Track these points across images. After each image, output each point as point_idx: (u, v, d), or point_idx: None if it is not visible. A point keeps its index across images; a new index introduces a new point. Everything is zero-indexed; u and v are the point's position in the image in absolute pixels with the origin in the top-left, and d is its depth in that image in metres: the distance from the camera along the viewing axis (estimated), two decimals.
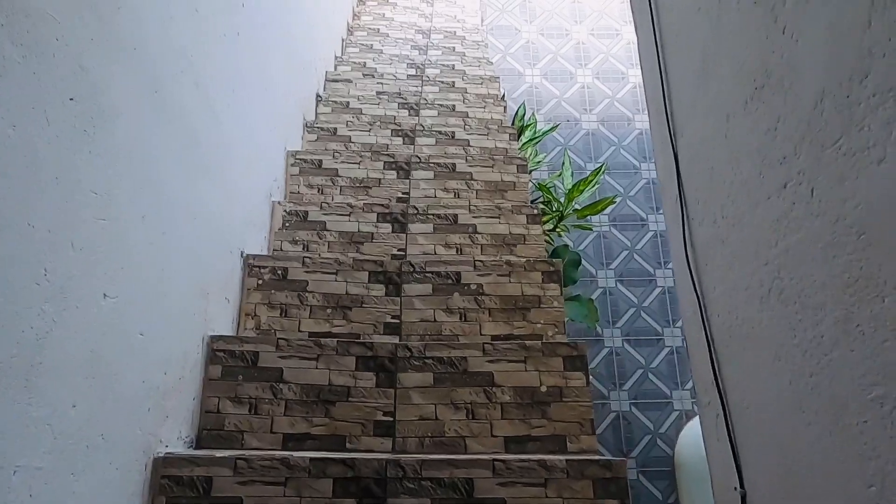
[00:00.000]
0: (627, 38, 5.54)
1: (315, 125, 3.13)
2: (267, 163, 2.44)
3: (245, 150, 2.19)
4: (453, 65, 4.14)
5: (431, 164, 2.77)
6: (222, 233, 1.95)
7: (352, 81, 3.77)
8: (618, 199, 4.91)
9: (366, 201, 2.65)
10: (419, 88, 3.74)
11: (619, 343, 4.62)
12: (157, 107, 1.51)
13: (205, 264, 1.81)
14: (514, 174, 2.76)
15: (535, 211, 2.59)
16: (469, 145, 3.09)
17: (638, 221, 4.86)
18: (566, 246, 4.04)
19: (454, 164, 2.77)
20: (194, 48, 1.75)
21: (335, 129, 3.12)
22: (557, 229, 4.02)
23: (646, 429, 4.43)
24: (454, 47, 4.47)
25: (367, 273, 2.17)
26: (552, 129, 4.12)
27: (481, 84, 3.79)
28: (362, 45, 4.46)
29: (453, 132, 3.11)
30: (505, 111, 3.49)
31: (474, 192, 2.71)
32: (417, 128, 3.14)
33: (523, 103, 4.18)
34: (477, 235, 2.45)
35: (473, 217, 2.48)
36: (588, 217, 4.04)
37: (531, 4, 5.66)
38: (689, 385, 4.51)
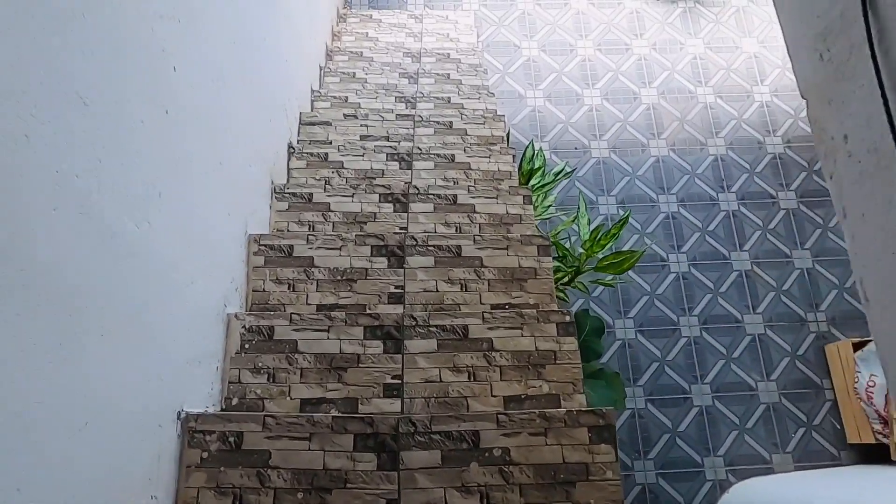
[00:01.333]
0: (638, 54, 4.99)
1: (286, 190, 2.56)
2: (220, 268, 1.88)
3: (186, 266, 1.62)
4: (449, 97, 3.57)
5: (430, 248, 2.21)
6: (147, 398, 1.40)
7: (331, 124, 3.19)
8: (637, 240, 4.39)
9: (349, 301, 2.09)
10: (410, 131, 3.17)
11: (642, 403, 4.10)
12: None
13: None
14: (535, 257, 2.21)
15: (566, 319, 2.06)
16: (475, 212, 2.53)
17: (658, 262, 4.34)
18: (586, 311, 3.49)
19: (459, 247, 2.21)
20: (101, 146, 1.19)
21: (310, 194, 2.54)
22: (573, 284, 3.48)
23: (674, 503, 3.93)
24: (449, 74, 3.89)
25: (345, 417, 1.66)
26: (567, 174, 3.56)
27: (483, 124, 3.22)
28: (343, 73, 3.87)
29: (455, 196, 2.55)
30: (514, 160, 2.93)
31: (485, 282, 2.16)
32: (411, 190, 2.57)
33: (531, 143, 3.61)
34: (494, 353, 1.90)
35: (488, 328, 1.93)
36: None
37: (531, 18, 5.10)
38: (723, 450, 4.01)
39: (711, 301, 4.25)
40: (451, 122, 3.21)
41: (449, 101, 3.55)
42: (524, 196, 2.54)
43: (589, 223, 3.52)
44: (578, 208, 3.53)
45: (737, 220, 4.47)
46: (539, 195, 3.32)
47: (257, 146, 2.39)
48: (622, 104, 4.81)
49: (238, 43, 2.17)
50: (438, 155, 2.90)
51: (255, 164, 2.31)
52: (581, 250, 3.44)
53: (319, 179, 2.81)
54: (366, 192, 2.57)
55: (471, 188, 2.63)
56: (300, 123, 3.18)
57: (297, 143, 3.09)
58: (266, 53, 2.57)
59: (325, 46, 4.13)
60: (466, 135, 3.17)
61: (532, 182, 3.37)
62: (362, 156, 2.89)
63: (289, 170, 2.84)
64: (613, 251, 3.36)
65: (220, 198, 1.92)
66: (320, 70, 3.86)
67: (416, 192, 2.57)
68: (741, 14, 5.17)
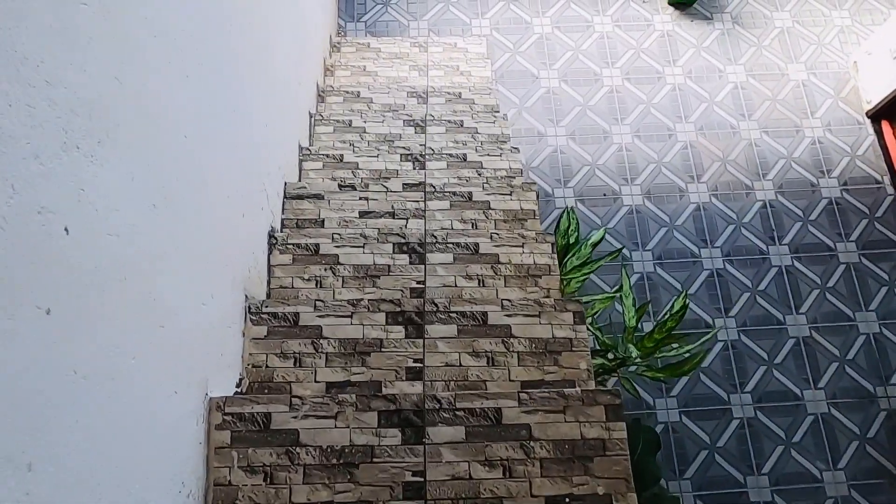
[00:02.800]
0: (672, 83, 4.39)
1: (263, 308, 1.95)
2: (162, 462, 1.28)
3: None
4: (465, 155, 2.96)
5: (452, 415, 1.61)
6: None
7: (323, 197, 2.58)
8: (677, 297, 3.77)
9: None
10: (421, 204, 2.56)
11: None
12: None
13: None
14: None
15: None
16: (511, 335, 1.93)
17: (702, 329, 3.75)
18: (637, 419, 2.88)
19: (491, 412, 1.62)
20: None
21: (296, 314, 1.94)
22: (621, 382, 2.88)
23: None
24: (462, 121, 3.28)
25: None
26: (615, 253, 2.94)
27: (510, 195, 2.61)
28: (338, 121, 3.26)
29: (485, 314, 1.95)
30: (553, 249, 2.32)
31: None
32: (427, 306, 1.97)
33: (565, 212, 3.00)
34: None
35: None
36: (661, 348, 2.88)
37: (549, 43, 4.48)
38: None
39: (766, 375, 3.66)
40: (470, 194, 2.60)
41: (465, 160, 2.94)
42: (575, 314, 1.94)
43: (635, 304, 2.92)
44: (621, 285, 2.93)
45: (791, 278, 3.88)
46: (577, 277, 2.72)
47: (224, 261, 1.79)
48: (656, 142, 4.21)
49: (199, 118, 1.57)
50: (458, 244, 2.29)
51: (219, 295, 1.70)
52: (624, 336, 2.85)
53: (308, 280, 2.20)
54: (368, 309, 1.97)
55: (504, 299, 2.03)
56: (285, 197, 2.57)
57: (282, 225, 2.49)
58: (240, 125, 1.96)
59: (315, 87, 3.51)
60: (490, 209, 2.57)
61: (569, 263, 2.77)
62: (362, 247, 2.29)
63: (270, 268, 2.23)
64: (667, 340, 2.76)
65: (161, 365, 1.32)
66: (310, 118, 3.25)
67: (435, 308, 1.97)
68: (786, 36, 4.57)
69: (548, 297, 2.18)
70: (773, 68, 4.45)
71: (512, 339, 1.97)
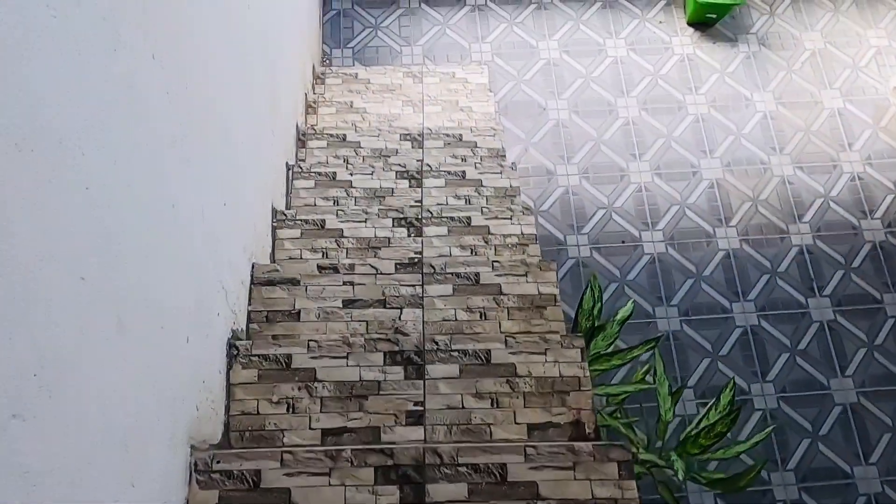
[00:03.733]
0: (694, 114, 3.94)
1: (215, 463, 1.49)
2: None
3: None
4: (469, 217, 2.49)
5: None
6: None
7: (299, 283, 2.11)
8: (709, 364, 3.32)
9: None
10: (417, 290, 2.10)
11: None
12: None
13: None
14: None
15: None
16: (540, 497, 1.48)
17: (738, 396, 3.29)
18: None
19: None
20: None
21: (256, 473, 1.48)
22: (660, 492, 2.43)
23: None
24: (464, 172, 2.82)
25: None
26: (650, 344, 2.46)
27: (526, 276, 2.15)
28: (319, 175, 2.79)
29: (503, 466, 1.50)
30: (584, 356, 1.86)
31: None
32: (429, 460, 1.51)
33: (588, 287, 2.54)
34: None
35: None
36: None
37: (558, 70, 4.03)
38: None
39: (811, 448, 3.22)
40: (476, 276, 2.14)
41: (469, 224, 2.48)
42: (621, 463, 1.49)
43: (670, 391, 2.46)
44: (655, 369, 2.47)
45: (834, 335, 3.44)
46: (605, 368, 2.26)
47: (156, 414, 1.32)
48: (678, 181, 3.76)
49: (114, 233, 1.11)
50: (464, 352, 1.83)
51: (145, 480, 1.24)
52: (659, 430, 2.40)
53: (278, 403, 1.74)
54: (352, 464, 1.50)
55: (526, 425, 1.58)
56: (253, 283, 2.10)
57: (249, 319, 2.02)
58: (182, 225, 1.50)
59: (294, 130, 3.05)
60: (501, 294, 2.11)
61: (596, 345, 2.32)
62: (346, 357, 1.82)
63: (229, 390, 1.76)
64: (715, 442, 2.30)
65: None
66: (287, 171, 2.78)
67: (438, 461, 1.51)
68: (818, 59, 4.13)
69: (578, 421, 1.73)
70: (804, 95, 4.01)
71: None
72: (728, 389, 2.31)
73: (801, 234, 3.65)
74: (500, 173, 2.81)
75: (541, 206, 3.64)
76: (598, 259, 3.55)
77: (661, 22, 4.17)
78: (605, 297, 3.48)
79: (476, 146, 3.09)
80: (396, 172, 2.79)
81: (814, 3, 4.27)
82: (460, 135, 3.12)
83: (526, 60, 4.02)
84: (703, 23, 4.12)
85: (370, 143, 3.07)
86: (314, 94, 3.52)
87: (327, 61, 3.95)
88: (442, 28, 4.09)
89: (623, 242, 3.60)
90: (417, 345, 1.82)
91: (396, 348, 1.83)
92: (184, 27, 1.52)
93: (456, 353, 1.81)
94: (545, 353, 1.82)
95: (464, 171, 2.81)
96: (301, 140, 3.09)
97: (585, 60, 4.04)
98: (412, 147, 3.08)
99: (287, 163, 2.81)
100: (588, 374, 1.79)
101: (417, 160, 3.02)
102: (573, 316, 2.61)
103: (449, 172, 2.81)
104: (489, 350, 1.83)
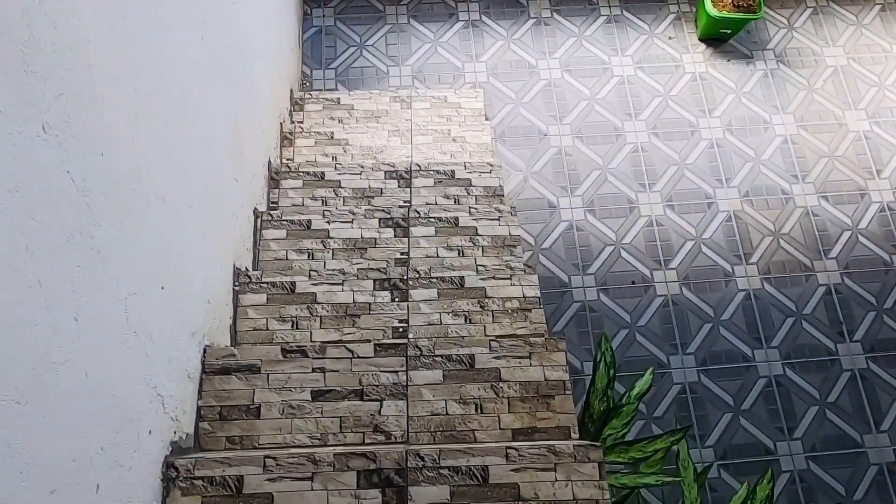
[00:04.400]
0: (709, 138, 3.61)
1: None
2: None
3: None
4: (462, 277, 2.15)
5: None
6: None
7: (259, 370, 1.78)
8: (726, 417, 2.98)
9: None
10: (400, 378, 1.76)
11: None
12: None
13: None
14: None
15: None
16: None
17: (759, 456, 2.96)
18: None
19: None
20: None
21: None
22: None
23: None
24: (457, 219, 2.48)
25: None
26: (677, 436, 2.11)
27: (530, 358, 1.82)
28: (292, 224, 2.45)
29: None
30: (602, 474, 1.52)
31: None
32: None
33: (602, 356, 2.20)
34: None
35: None
36: None
37: (559, 91, 3.69)
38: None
39: None
40: (471, 358, 1.80)
41: (461, 286, 2.14)
42: None
43: (695, 475, 2.12)
44: (679, 459, 2.12)
45: (867, 384, 3.11)
46: (622, 458, 1.92)
47: None
48: (693, 213, 3.42)
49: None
50: (456, 470, 1.49)
51: None
52: None
53: None
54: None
55: None
56: (204, 373, 1.76)
57: (199, 416, 1.68)
58: (109, 323, 1.17)
59: (265, 169, 2.70)
60: (501, 381, 1.77)
61: (610, 429, 1.98)
62: (310, 480, 1.48)
63: None
64: None
65: None
66: (256, 220, 2.44)
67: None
68: (840, 77, 3.80)
69: None
70: (827, 117, 3.68)
71: None
72: (766, 481, 1.97)
73: (828, 271, 3.32)
74: (499, 219, 2.47)
75: (542, 244, 3.31)
76: (605, 302, 3.21)
77: (670, 38, 3.84)
78: (614, 345, 3.16)
79: (470, 184, 2.75)
80: (380, 220, 2.45)
81: (835, 16, 3.94)
82: (453, 171, 2.78)
83: (525, 81, 3.68)
84: (716, 38, 3.79)
85: (351, 182, 2.73)
86: (291, 122, 3.18)
87: (307, 84, 3.61)
88: (433, 46, 3.75)
89: (633, 283, 3.26)
90: (399, 461, 1.48)
91: (373, 466, 1.49)
92: (86, 90, 1.18)
93: (446, 470, 1.47)
94: (555, 470, 1.48)
95: (457, 218, 2.47)
96: (274, 179, 2.75)
97: (589, 81, 3.70)
98: (399, 186, 2.74)
99: (255, 209, 2.46)
100: (608, 495, 1.45)
101: (404, 202, 2.68)
102: (583, 387, 2.27)
103: (440, 219, 2.47)
104: (486, 466, 1.49)
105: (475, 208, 2.54)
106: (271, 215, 2.46)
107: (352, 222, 2.46)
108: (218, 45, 2.05)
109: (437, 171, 2.77)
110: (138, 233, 1.40)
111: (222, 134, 2.09)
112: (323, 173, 2.76)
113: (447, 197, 2.71)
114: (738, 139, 3.60)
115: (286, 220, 2.44)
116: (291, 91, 3.35)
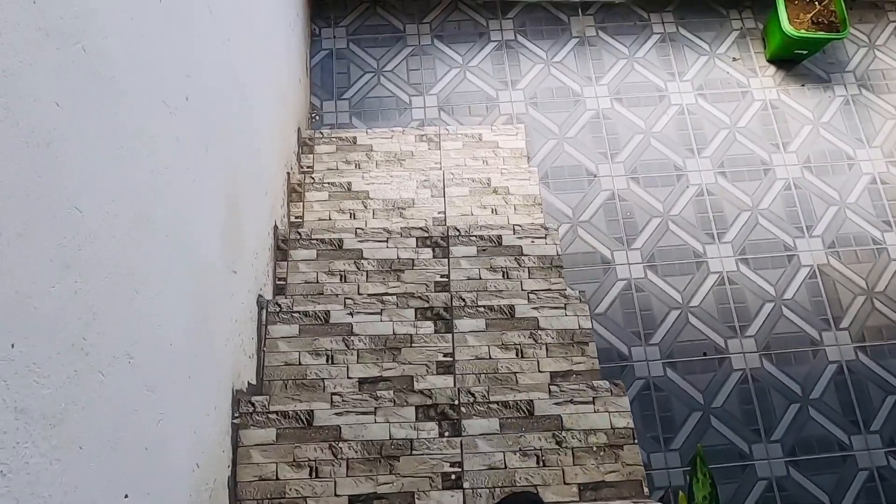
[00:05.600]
0: (784, 178, 3.09)
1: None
2: None
3: None
4: (530, 403, 1.66)
5: None
6: None
7: None
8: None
9: None
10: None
11: None
12: None
13: None
14: None
15: None
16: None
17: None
18: None
19: None
20: None
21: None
22: None
23: None
24: (511, 307, 1.97)
25: None
26: None
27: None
28: (306, 314, 1.94)
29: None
30: None
31: None
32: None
33: (696, 463, 1.70)
34: None
35: None
36: None
37: (610, 124, 3.17)
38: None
39: None
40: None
41: (531, 414, 1.63)
42: None
43: None
44: None
45: None
46: None
47: None
48: (770, 269, 2.91)
49: None
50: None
51: None
52: None
53: None
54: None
55: None
56: None
57: None
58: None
59: (272, 237, 2.19)
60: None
61: None
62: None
63: None
64: None
65: None
66: (260, 312, 1.92)
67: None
68: None
69: None
70: None
71: None
72: None
73: (838, 348, 2.81)
74: (564, 308, 1.96)
75: (596, 307, 2.80)
76: (672, 378, 2.71)
77: (735, 59, 3.32)
78: (687, 430, 2.66)
79: (521, 253, 2.24)
80: (416, 310, 1.94)
81: None
82: (499, 236, 2.27)
83: (569, 112, 3.17)
84: (787, 59, 3.27)
85: (376, 252, 2.22)
86: (300, 168, 2.67)
87: (316, 118, 3.09)
88: (461, 72, 3.23)
89: (705, 355, 2.76)
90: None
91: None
92: None
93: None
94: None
95: (511, 307, 1.96)
96: (281, 248, 2.24)
97: (643, 110, 3.18)
98: (434, 255, 2.22)
99: (260, 297, 1.95)
100: None
101: (442, 276, 2.17)
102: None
103: (490, 308, 1.95)
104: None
105: (535, 295, 2.03)
106: (279, 305, 1.95)
107: (380, 312, 1.95)
108: (207, 101, 1.54)
109: (480, 237, 2.26)
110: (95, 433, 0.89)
111: (213, 219, 1.58)
112: (341, 241, 2.24)
113: (493, 269, 2.20)
114: (818, 178, 3.08)
115: (297, 313, 1.93)
116: (299, 130, 2.84)
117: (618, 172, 3.05)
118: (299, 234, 2.27)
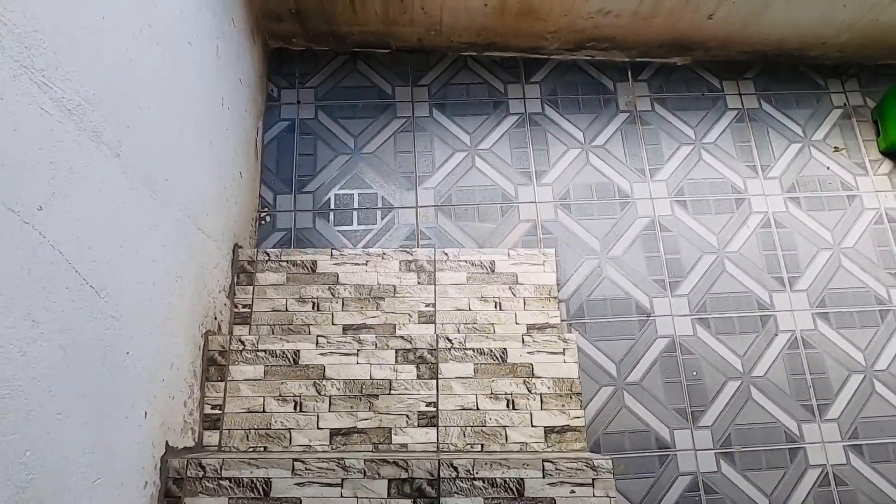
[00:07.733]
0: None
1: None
2: None
3: None
4: None
5: None
6: None
7: None
8: None
9: None
10: None
11: None
12: None
13: None
14: None
15: None
16: None
17: None
18: None
19: None
20: None
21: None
22: None
23: None
24: None
25: None
26: None
27: None
28: None
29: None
30: None
31: None
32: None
33: None
34: None
35: None
36: None
37: (668, 238, 2.33)
38: None
39: None
40: None
41: None
42: None
43: None
44: None
45: None
46: None
47: None
48: (892, 462, 2.08)
49: None
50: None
51: None
52: None
53: None
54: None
55: None
56: None
57: None
58: None
59: (157, 474, 1.35)
60: None
61: None
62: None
63: None
64: None
65: None
66: None
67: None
68: None
69: None
70: None
71: None
72: None
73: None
74: None
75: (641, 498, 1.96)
76: (728, 475, 1.88)
77: (836, 149, 2.47)
78: None
79: (574, 491, 1.40)
80: None
81: None
82: (524, 464, 1.42)
83: (614, 219, 2.32)
84: None
85: (323, 490, 1.38)
86: (231, 309, 1.82)
87: (266, 220, 2.24)
88: (468, 156, 2.38)
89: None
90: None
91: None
92: None
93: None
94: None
95: None
96: (174, 497, 1.39)
97: (715, 220, 2.34)
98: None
99: None
100: None
101: None
102: None
103: None
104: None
105: None
106: None
107: None
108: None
109: (496, 462, 1.41)
110: None
111: None
112: (267, 483, 1.39)
113: None
114: None
115: None
116: (235, 249, 1.98)
117: (680, 311, 2.20)
118: (203, 468, 1.41)
